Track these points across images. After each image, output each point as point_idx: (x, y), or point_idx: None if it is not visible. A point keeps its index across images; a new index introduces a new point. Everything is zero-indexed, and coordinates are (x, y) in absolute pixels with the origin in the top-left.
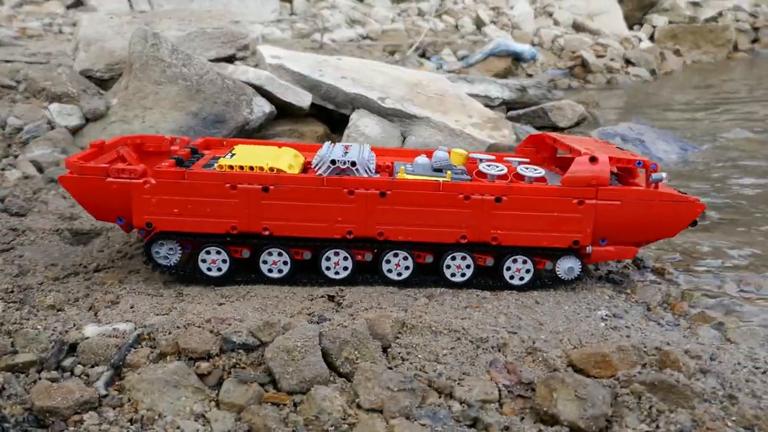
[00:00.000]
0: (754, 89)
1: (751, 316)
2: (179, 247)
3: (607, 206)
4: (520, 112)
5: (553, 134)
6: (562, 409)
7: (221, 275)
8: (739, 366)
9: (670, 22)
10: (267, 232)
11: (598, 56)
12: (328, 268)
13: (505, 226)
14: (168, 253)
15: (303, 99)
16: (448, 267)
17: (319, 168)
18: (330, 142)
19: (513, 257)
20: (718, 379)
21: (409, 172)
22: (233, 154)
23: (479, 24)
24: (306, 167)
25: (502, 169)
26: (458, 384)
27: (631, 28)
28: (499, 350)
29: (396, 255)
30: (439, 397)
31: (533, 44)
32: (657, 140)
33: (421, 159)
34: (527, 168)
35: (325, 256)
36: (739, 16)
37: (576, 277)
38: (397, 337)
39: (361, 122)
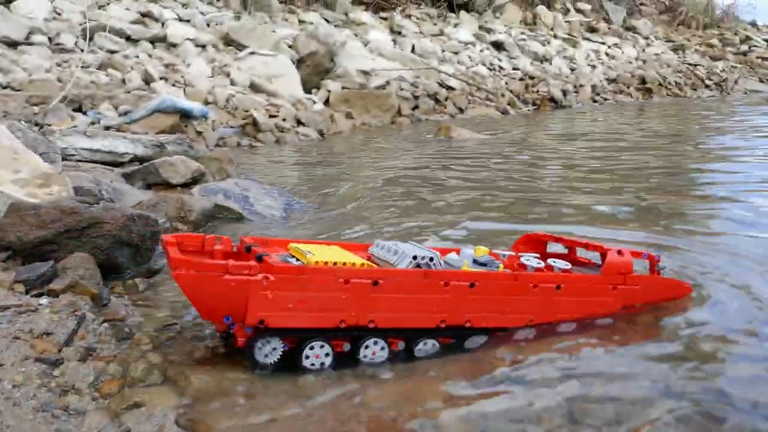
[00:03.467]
0: (398, 152)
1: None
2: (282, 344)
3: (632, 290)
4: (134, 168)
5: (549, 234)
6: None
7: (322, 369)
8: None
9: (343, 88)
10: (372, 324)
11: (271, 116)
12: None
13: (562, 310)
14: (271, 352)
15: None
16: None
17: (399, 263)
18: (380, 240)
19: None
20: None
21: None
22: (309, 252)
23: (148, 79)
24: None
25: (540, 263)
26: None
27: (309, 91)
28: None
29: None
30: None
31: (207, 102)
32: (263, 196)
33: (454, 255)
34: (555, 261)
35: (419, 345)
36: (403, 85)
37: None
38: None
39: None
